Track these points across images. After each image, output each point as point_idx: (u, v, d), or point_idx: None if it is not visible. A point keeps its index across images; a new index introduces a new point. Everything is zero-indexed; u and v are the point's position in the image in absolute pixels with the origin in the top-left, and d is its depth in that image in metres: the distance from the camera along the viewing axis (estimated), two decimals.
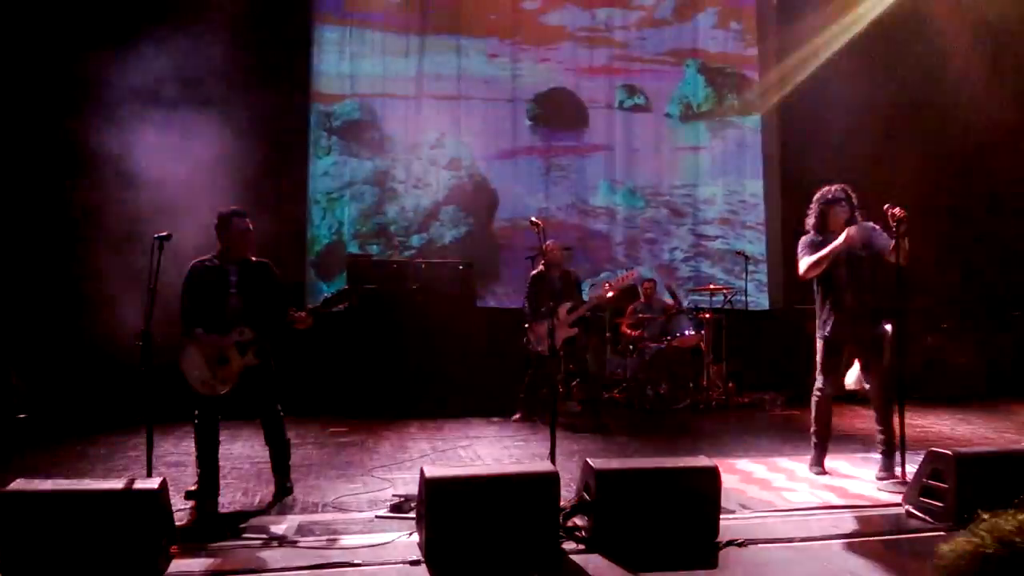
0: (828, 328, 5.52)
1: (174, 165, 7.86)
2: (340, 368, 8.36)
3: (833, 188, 5.53)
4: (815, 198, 5.62)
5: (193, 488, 4.82)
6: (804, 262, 5.50)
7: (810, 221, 5.62)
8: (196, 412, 4.86)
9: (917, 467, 4.66)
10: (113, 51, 8.40)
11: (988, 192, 10.96)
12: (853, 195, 5.50)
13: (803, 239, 5.61)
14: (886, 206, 5.22)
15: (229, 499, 4.94)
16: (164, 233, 4.50)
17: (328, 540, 4.10)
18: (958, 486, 4.26)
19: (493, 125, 10.94)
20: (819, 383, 5.61)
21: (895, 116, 10.89)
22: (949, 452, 4.39)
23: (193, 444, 4.88)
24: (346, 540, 4.10)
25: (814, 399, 5.63)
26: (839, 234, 5.36)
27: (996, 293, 10.72)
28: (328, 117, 10.58)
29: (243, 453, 6.31)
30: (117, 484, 3.71)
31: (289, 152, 10.11)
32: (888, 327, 5.46)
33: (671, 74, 11.58)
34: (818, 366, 5.63)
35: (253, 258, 5.12)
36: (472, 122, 10.85)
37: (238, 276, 4.98)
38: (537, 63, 11.14)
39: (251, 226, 5.05)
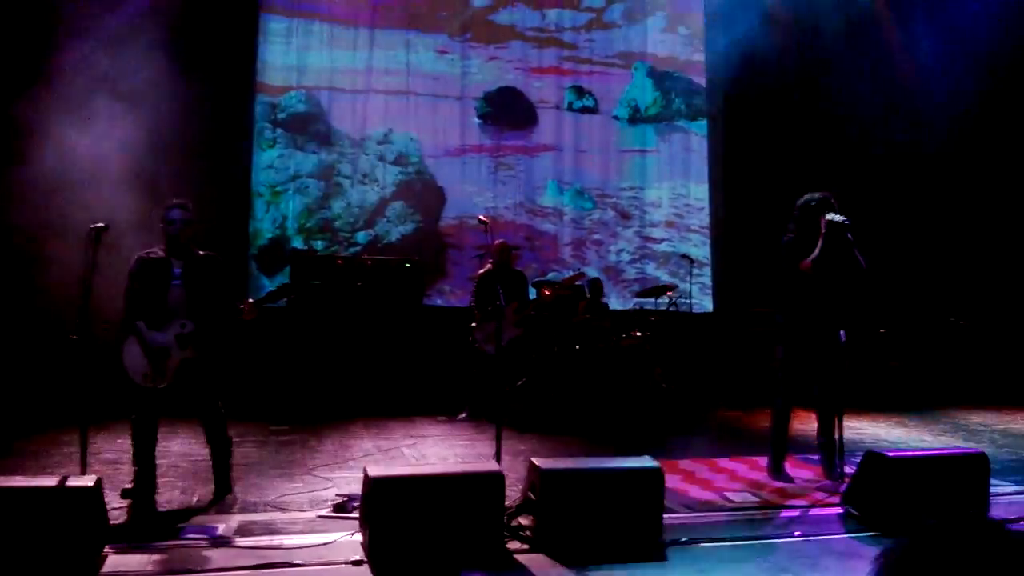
0: (792, 334, 5.56)
1: (113, 155, 7.65)
2: (282, 366, 8.22)
3: (817, 195, 5.58)
4: (799, 204, 5.63)
5: (129, 486, 4.69)
6: (811, 260, 5.36)
7: (792, 227, 5.62)
8: (134, 407, 4.75)
9: (855, 469, 4.76)
10: (49, 35, 8.13)
11: (928, 200, 11.28)
12: (835, 203, 5.55)
13: (789, 243, 5.56)
14: (828, 215, 5.32)
15: (167, 497, 4.82)
16: (100, 224, 4.38)
17: (268, 540, 4.02)
18: (895, 487, 4.37)
19: (442, 122, 10.87)
20: (782, 387, 5.61)
21: (840, 123, 11.14)
22: (886, 453, 4.50)
23: (130, 441, 4.74)
24: (287, 540, 4.04)
25: (776, 403, 5.66)
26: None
27: (933, 299, 11.04)
28: (273, 109, 10.39)
29: (181, 451, 6.16)
30: (50, 481, 3.59)
31: (232, 144, 9.88)
32: (842, 333, 5.54)
33: (620, 77, 11.65)
34: (780, 371, 5.62)
35: (200, 252, 5.04)
36: (421, 118, 10.77)
37: (183, 268, 4.90)
38: (487, 61, 11.11)
39: (190, 218, 4.95)
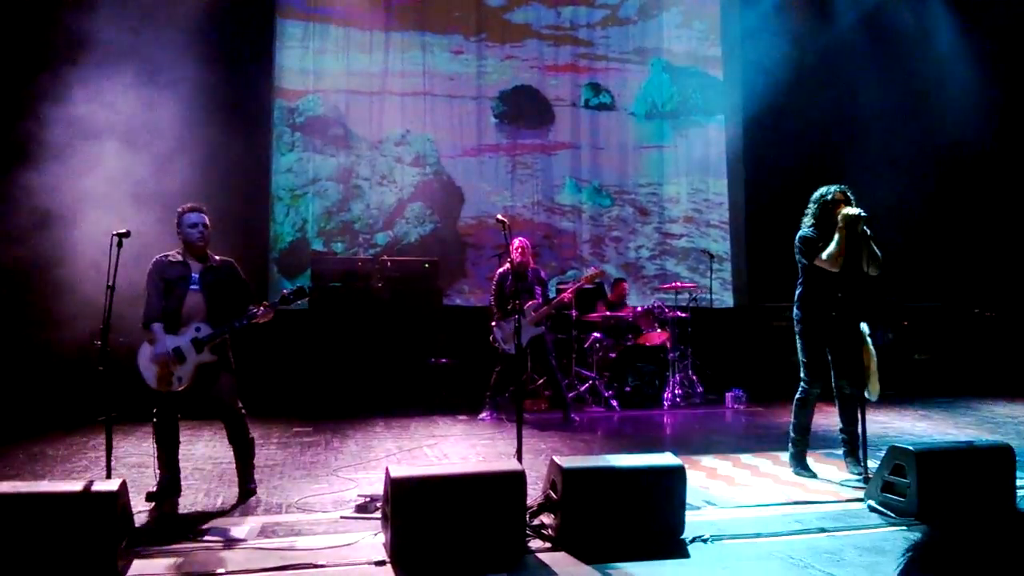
0: (811, 327, 5.52)
1: (135, 161, 7.72)
2: (304, 367, 8.29)
3: (833, 189, 5.54)
4: (814, 198, 5.58)
5: (154, 489, 4.73)
6: (829, 253, 5.30)
7: (807, 220, 5.59)
8: (154, 411, 4.80)
9: (879, 463, 4.72)
10: (72, 41, 8.21)
11: (952, 192, 11.16)
12: (851, 196, 5.51)
13: (808, 235, 5.51)
14: (845, 209, 5.28)
15: (191, 500, 4.86)
16: (123, 230, 4.42)
17: (291, 541, 4.04)
18: (919, 481, 4.32)
19: (459, 122, 10.91)
20: (806, 382, 5.58)
21: (859, 118, 11.05)
22: (910, 448, 4.45)
23: (153, 444, 4.79)
24: (310, 541, 4.05)
25: (799, 398, 5.61)
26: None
27: (958, 290, 10.91)
28: (291, 113, 10.47)
29: (205, 453, 6.21)
30: (75, 486, 3.63)
31: (252, 148, 9.95)
32: (865, 326, 5.48)
33: (636, 73, 11.63)
34: (803, 366, 5.59)
35: (217, 256, 5.09)
36: (437, 119, 10.81)
37: (200, 273, 4.95)
38: (502, 60, 11.12)
39: (207, 222, 5.00)
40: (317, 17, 10.60)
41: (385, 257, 9.21)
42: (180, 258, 4.97)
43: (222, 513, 4.61)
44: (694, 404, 9.20)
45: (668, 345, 9.29)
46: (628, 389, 8.83)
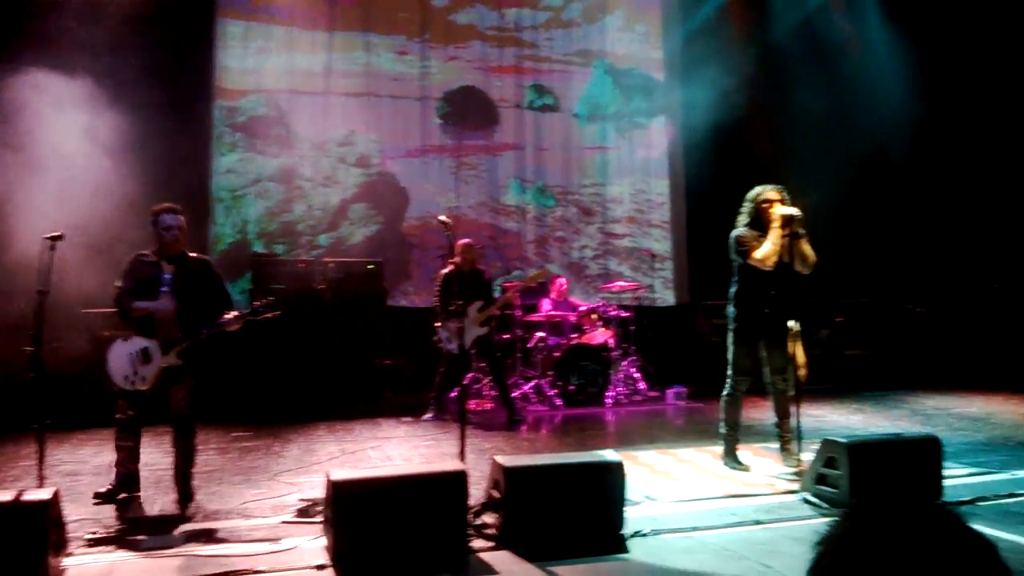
0: (745, 324, 5.65)
1: (72, 161, 7.53)
2: (244, 370, 8.16)
3: (768, 188, 5.66)
4: (749, 197, 5.70)
5: (104, 490, 4.70)
6: (765, 251, 5.43)
7: (742, 219, 5.70)
8: (121, 407, 4.78)
9: (813, 456, 4.85)
10: (3, 37, 7.99)
11: (884, 193, 11.50)
12: (786, 196, 5.64)
13: (743, 234, 5.62)
14: (779, 208, 5.42)
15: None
16: (56, 233, 4.34)
17: (230, 548, 4.00)
18: (851, 472, 4.46)
19: (403, 123, 10.87)
20: (733, 379, 5.72)
21: (795, 120, 11.30)
22: (842, 440, 4.59)
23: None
24: (250, 547, 4.00)
25: (727, 395, 5.75)
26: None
27: (889, 288, 11.25)
28: (232, 113, 10.32)
29: (141, 460, 6.08)
30: (6, 496, 3.54)
31: (191, 148, 9.78)
32: (794, 323, 5.63)
33: (579, 75, 11.73)
34: (731, 363, 5.73)
35: (193, 255, 5.08)
36: (381, 119, 10.76)
37: (173, 274, 4.92)
38: (447, 61, 11.11)
39: (181, 223, 5.00)
40: (259, 16, 10.46)
41: (328, 258, 9.14)
42: (153, 258, 4.94)
43: (159, 520, 4.54)
44: (636, 401, 9.32)
45: (611, 344, 9.39)
46: (572, 388, 8.91)
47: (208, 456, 6.16)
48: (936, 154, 11.22)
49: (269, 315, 5.11)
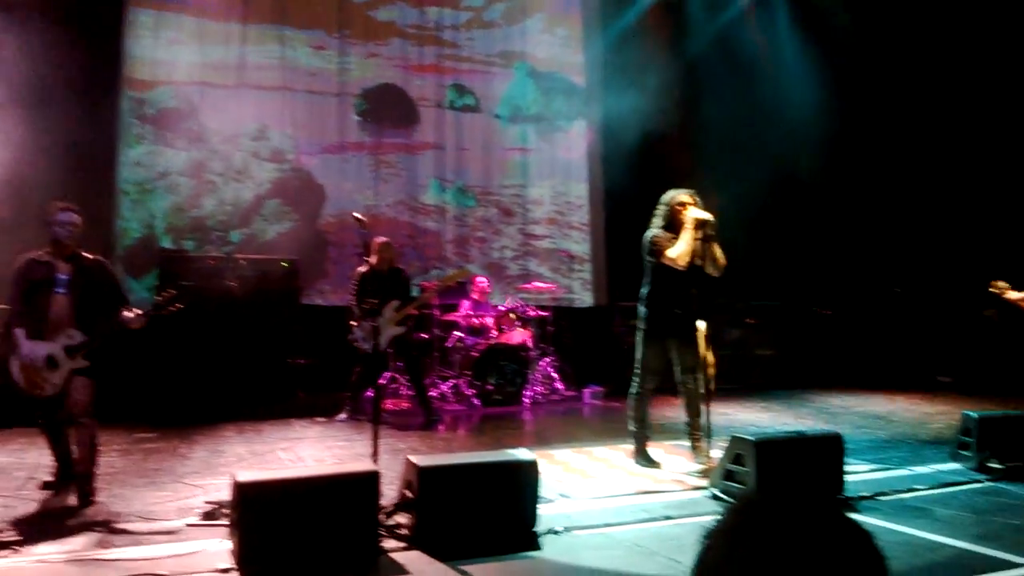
0: (655, 324, 5.72)
1: None
2: (150, 369, 7.88)
3: (681, 192, 5.75)
4: (663, 200, 5.79)
5: (51, 479, 4.78)
6: (678, 250, 5.51)
7: (657, 221, 5.78)
8: (37, 412, 4.74)
9: (722, 453, 4.95)
10: None
11: (792, 198, 11.86)
12: (698, 199, 5.73)
13: (657, 235, 5.70)
14: (692, 211, 5.52)
15: (23, 511, 4.54)
16: None
17: (132, 552, 3.84)
18: (757, 469, 4.56)
19: (319, 119, 10.67)
20: (642, 378, 5.80)
21: (710, 126, 11.56)
22: (749, 438, 4.69)
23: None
24: (152, 550, 3.86)
25: (635, 393, 5.82)
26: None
27: (796, 290, 11.61)
28: (141, 104, 9.96)
29: (40, 462, 5.79)
30: None
31: (97, 140, 9.39)
32: (702, 324, 5.74)
33: (500, 76, 11.74)
34: (640, 362, 5.81)
35: (88, 255, 4.93)
36: (297, 115, 10.54)
37: (70, 275, 4.77)
38: (366, 58, 10.97)
39: (77, 221, 4.86)
40: (170, 6, 10.11)
41: (240, 255, 8.89)
42: (47, 258, 4.78)
43: (59, 524, 4.33)
44: (554, 401, 9.38)
45: (529, 344, 9.42)
46: (490, 387, 8.89)
47: (110, 458, 5.91)
48: (843, 164, 11.64)
49: (172, 308, 4.99)
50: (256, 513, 3.65)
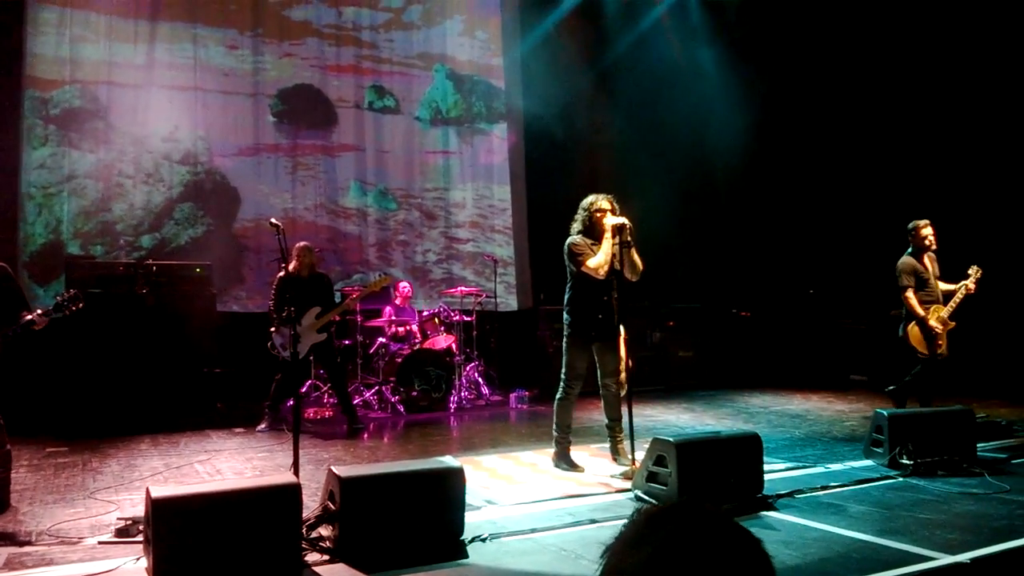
0: (579, 329, 5.75)
1: None
2: (59, 381, 7.54)
3: (600, 197, 5.78)
4: (583, 205, 5.83)
5: None
6: (598, 261, 5.57)
7: (576, 227, 5.82)
8: None
9: (644, 454, 5.01)
10: None
11: (712, 204, 12.15)
12: (616, 205, 5.79)
13: (577, 242, 5.74)
14: (610, 218, 5.58)
15: None
16: None
17: (42, 572, 3.67)
18: (679, 469, 4.63)
19: (233, 120, 10.40)
20: (567, 383, 5.83)
21: (633, 134, 11.73)
22: (670, 439, 4.75)
23: None
24: (63, 570, 3.72)
25: (560, 398, 5.85)
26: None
27: (716, 293, 11.88)
28: (45, 104, 9.53)
29: None
30: None
31: None
32: (622, 328, 5.80)
33: (420, 78, 11.65)
34: (565, 367, 5.84)
35: None
36: (210, 115, 10.24)
37: None
38: (281, 58, 10.74)
39: None
40: (75, 3, 9.70)
41: (151, 261, 8.58)
42: None
43: None
44: (480, 406, 9.35)
45: (454, 349, 9.37)
46: (415, 394, 8.81)
47: (19, 474, 5.64)
48: (760, 169, 11.97)
49: (73, 308, 4.86)
50: (172, 529, 3.53)
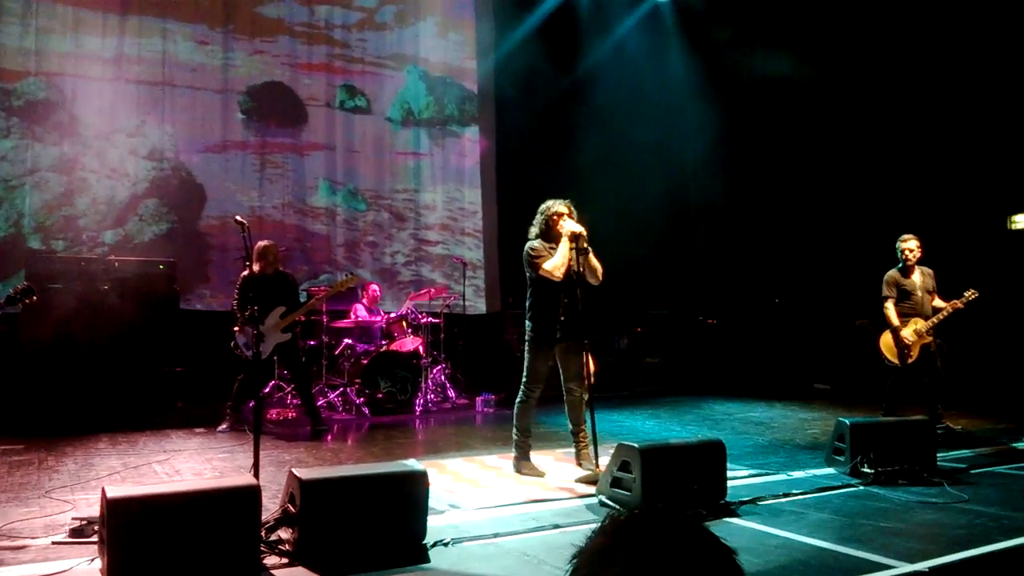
0: (541, 333, 5.75)
1: None
2: (14, 378, 7.38)
3: (558, 202, 5.78)
4: (540, 210, 5.83)
5: None
6: (554, 263, 5.56)
7: (534, 231, 5.82)
8: None
9: (609, 460, 5.00)
10: None
11: (680, 211, 12.23)
12: (572, 210, 5.79)
13: (535, 246, 5.74)
14: (567, 224, 5.59)
15: None
16: None
17: None
18: (643, 475, 4.63)
19: (201, 116, 10.27)
20: (528, 386, 5.82)
21: (604, 138, 11.77)
22: (635, 445, 4.75)
23: None
24: (15, 571, 3.63)
25: (520, 402, 5.84)
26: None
27: (683, 300, 11.96)
28: (8, 95, 9.35)
29: None
30: None
31: None
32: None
33: (392, 79, 11.60)
34: (527, 370, 5.83)
35: None
36: (177, 111, 10.11)
37: None
38: (251, 55, 10.64)
39: None
40: None
41: (113, 257, 8.44)
42: None
43: None
44: (446, 409, 9.31)
45: (421, 351, 9.32)
46: (380, 396, 8.75)
47: None
48: (729, 180, 12.07)
49: (27, 301, 4.78)
50: (128, 530, 3.46)
